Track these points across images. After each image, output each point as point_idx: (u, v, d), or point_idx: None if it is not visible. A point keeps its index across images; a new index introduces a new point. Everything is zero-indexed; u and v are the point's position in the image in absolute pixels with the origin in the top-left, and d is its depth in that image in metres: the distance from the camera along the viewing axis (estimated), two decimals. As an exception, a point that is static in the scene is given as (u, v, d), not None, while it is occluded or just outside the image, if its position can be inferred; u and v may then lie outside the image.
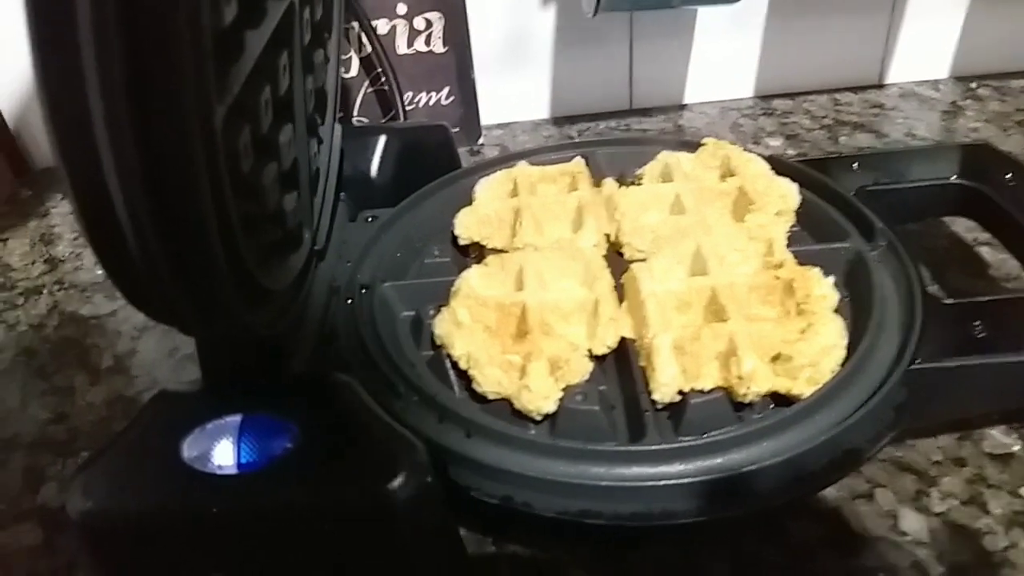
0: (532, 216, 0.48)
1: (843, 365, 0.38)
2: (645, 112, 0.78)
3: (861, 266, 0.43)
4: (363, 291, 0.45)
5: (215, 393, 0.34)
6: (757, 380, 0.36)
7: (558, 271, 0.44)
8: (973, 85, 0.77)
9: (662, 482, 0.35)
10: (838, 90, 0.78)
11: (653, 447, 0.35)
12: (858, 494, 0.41)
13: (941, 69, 0.79)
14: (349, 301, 0.44)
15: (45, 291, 0.62)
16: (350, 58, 0.70)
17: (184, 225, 0.26)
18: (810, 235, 0.47)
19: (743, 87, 0.79)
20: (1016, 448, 0.43)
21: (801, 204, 0.48)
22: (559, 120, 0.78)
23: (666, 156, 0.52)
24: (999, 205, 0.48)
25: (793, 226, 0.47)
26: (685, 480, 0.35)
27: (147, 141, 0.24)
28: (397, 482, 0.32)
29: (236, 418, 0.33)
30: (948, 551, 0.39)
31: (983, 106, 0.74)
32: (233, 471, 0.31)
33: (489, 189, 0.51)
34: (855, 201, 0.47)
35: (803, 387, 0.37)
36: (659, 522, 0.34)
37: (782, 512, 0.40)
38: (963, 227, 0.58)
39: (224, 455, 0.32)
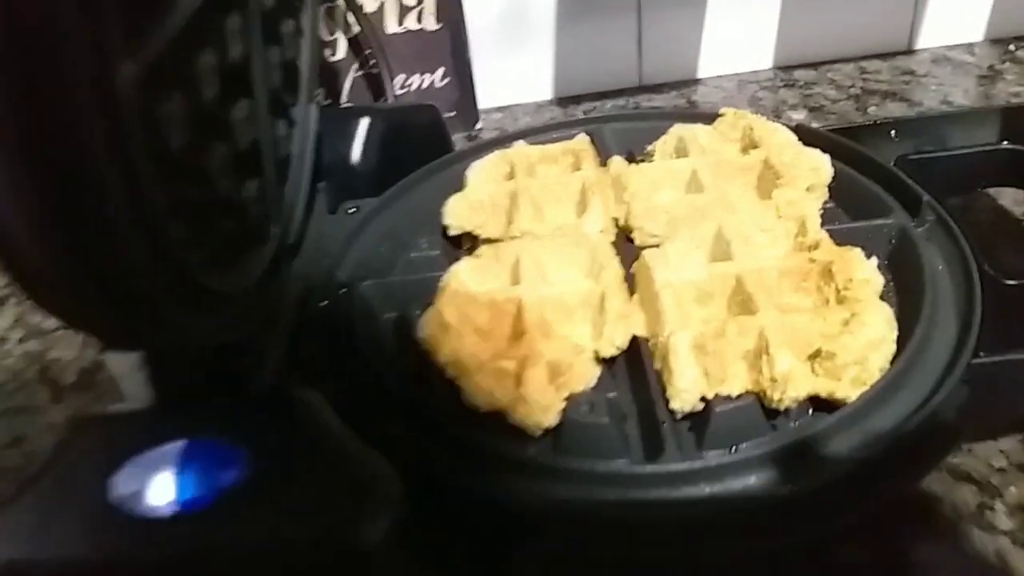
0: (530, 200, 0.43)
1: (893, 362, 0.33)
2: (656, 88, 0.72)
3: (907, 244, 0.38)
4: (341, 291, 0.40)
5: (154, 415, 0.29)
6: (794, 382, 0.31)
7: (560, 261, 0.38)
8: (1011, 47, 0.71)
9: (684, 508, 0.29)
10: (864, 58, 0.72)
11: (673, 467, 0.30)
12: (910, 508, 0.36)
13: (975, 32, 0.73)
14: (324, 303, 0.39)
15: (12, 300, 0.57)
16: (336, 39, 0.65)
17: (81, 208, 0.21)
18: (846, 212, 0.42)
19: (761, 58, 0.73)
20: (1093, 450, 0.37)
21: (834, 178, 0.42)
22: (563, 100, 0.72)
23: (680, 129, 0.46)
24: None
25: (826, 202, 0.42)
26: (712, 505, 0.29)
27: (25, 95, 0.19)
28: (368, 521, 0.26)
29: (178, 445, 0.28)
30: None
31: (1023, 68, 0.68)
32: (171, 511, 0.26)
33: (482, 172, 0.45)
34: (897, 172, 0.41)
35: (848, 389, 0.31)
36: (682, 556, 0.29)
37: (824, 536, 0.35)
38: (1010, 199, 0.52)
39: (161, 492, 0.27)
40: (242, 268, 0.34)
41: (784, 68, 0.73)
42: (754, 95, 0.70)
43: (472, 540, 0.31)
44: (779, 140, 0.43)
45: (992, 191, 0.53)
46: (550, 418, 0.32)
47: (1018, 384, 0.33)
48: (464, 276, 0.38)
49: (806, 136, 0.44)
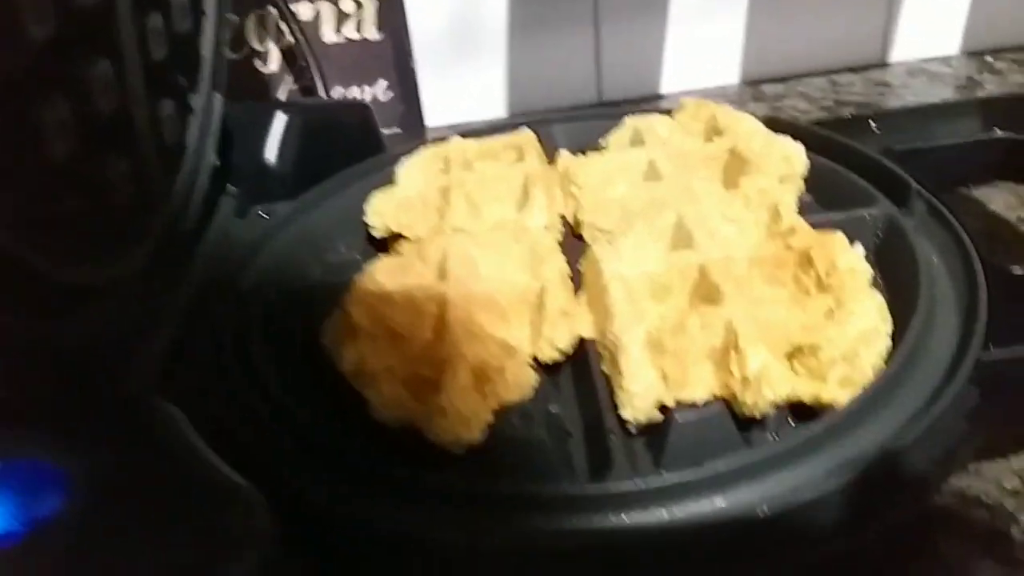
0: (465, 196, 0.37)
1: (887, 361, 0.27)
2: (616, 105, 0.68)
3: (897, 235, 0.33)
4: (241, 298, 0.34)
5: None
6: (771, 383, 0.25)
7: (494, 257, 0.33)
8: (989, 59, 0.67)
9: (636, 536, 0.23)
10: (836, 71, 0.68)
11: (620, 487, 0.24)
12: (913, 542, 0.30)
13: (951, 45, 0.69)
14: (219, 311, 0.33)
15: None
16: (268, 50, 0.60)
17: None
18: (825, 205, 0.37)
19: (727, 73, 0.69)
20: (1120, 468, 0.32)
21: (810, 169, 0.37)
22: (517, 118, 0.67)
23: (635, 120, 0.41)
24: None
25: (801, 195, 0.37)
26: (671, 533, 0.23)
27: None
28: (223, 560, 0.20)
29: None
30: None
31: (1003, 79, 0.64)
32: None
33: (413, 169, 0.40)
34: (880, 159, 0.36)
35: (836, 392, 0.26)
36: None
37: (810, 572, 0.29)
38: (1003, 204, 0.48)
39: (-49, 525, 0.20)
40: (107, 264, 0.28)
41: (752, 83, 0.68)
42: (720, 110, 0.65)
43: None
44: (746, 128, 0.38)
45: (981, 195, 0.48)
46: (474, 433, 0.26)
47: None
48: (381, 276, 0.32)
49: (777, 126, 0.39)
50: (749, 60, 0.68)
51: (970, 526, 0.31)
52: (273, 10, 0.59)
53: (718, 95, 0.67)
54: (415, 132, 0.63)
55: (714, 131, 0.39)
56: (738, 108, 0.63)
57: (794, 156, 0.37)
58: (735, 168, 0.36)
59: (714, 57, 0.68)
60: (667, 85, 0.68)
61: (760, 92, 0.67)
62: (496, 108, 0.67)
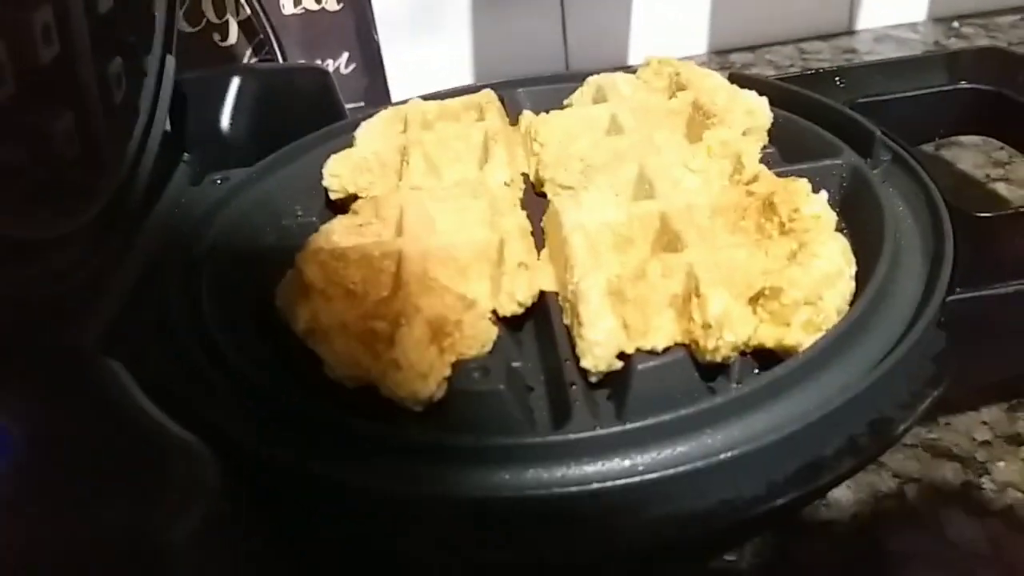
0: (423, 155, 0.36)
1: (852, 305, 0.27)
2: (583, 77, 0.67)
3: (862, 184, 0.32)
4: (193, 263, 0.33)
5: None
6: (732, 326, 0.25)
7: (453, 213, 0.32)
8: (955, 24, 0.67)
9: (595, 486, 0.23)
10: (804, 40, 0.68)
11: (580, 435, 0.23)
12: (883, 494, 0.30)
13: (917, 11, 0.69)
14: (170, 275, 0.32)
15: None
16: (227, 21, 0.59)
17: None
18: (789, 158, 0.36)
19: (695, 43, 0.68)
20: (1089, 414, 0.32)
21: (774, 123, 0.37)
22: (501, 84, 0.66)
23: (598, 79, 0.40)
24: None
25: (766, 147, 0.36)
26: (631, 483, 0.23)
27: None
28: (166, 514, 0.19)
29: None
30: (1019, 563, 0.27)
31: (970, 44, 0.64)
32: None
33: (372, 130, 0.39)
34: (845, 109, 0.36)
35: (800, 335, 0.25)
36: (597, 553, 0.22)
37: (777, 524, 0.29)
38: (971, 163, 0.48)
39: None
40: (51, 220, 0.27)
41: (720, 52, 0.68)
42: (688, 79, 0.65)
43: (323, 538, 0.24)
44: (710, 84, 0.38)
45: (951, 155, 0.48)
46: (431, 387, 0.25)
47: (1006, 328, 0.27)
48: (335, 234, 0.31)
49: (741, 81, 0.39)
50: (716, 30, 0.68)
51: (941, 478, 0.30)
52: (230, -20, 0.57)
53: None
54: (380, 105, 0.62)
55: (678, 87, 0.39)
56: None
57: (758, 109, 0.37)
58: (698, 122, 0.36)
59: (681, 27, 0.67)
60: (634, 56, 0.68)
61: (728, 61, 0.66)
62: (463, 81, 0.66)
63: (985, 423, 0.32)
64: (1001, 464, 0.30)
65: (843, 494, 0.30)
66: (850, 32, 0.68)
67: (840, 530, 0.29)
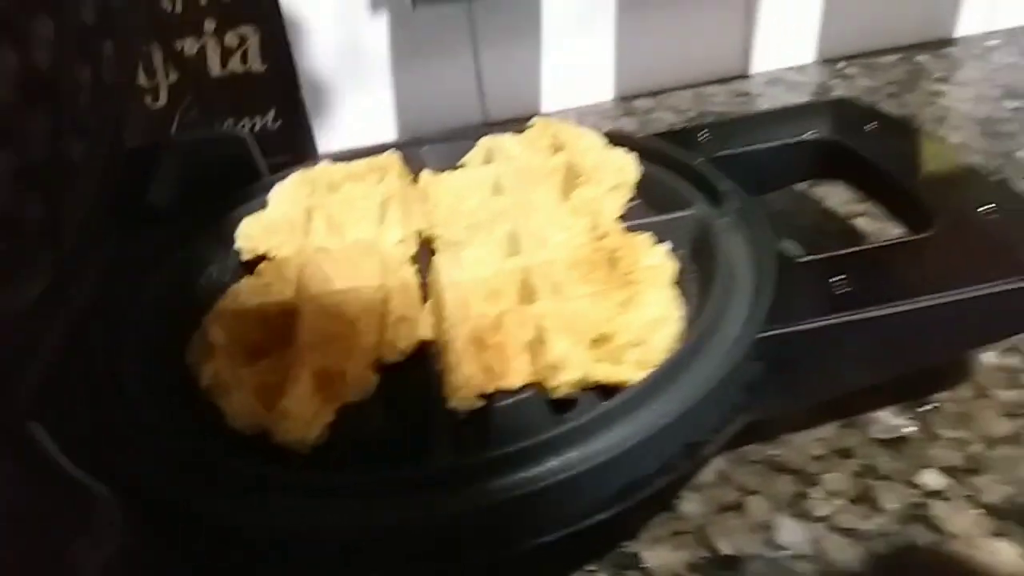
0: (327, 216, 0.40)
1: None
2: (501, 126, 0.71)
3: (705, 234, 0.37)
4: (116, 324, 0.36)
5: None
6: (570, 367, 0.29)
7: (347, 271, 0.36)
8: (840, 65, 0.73)
9: (445, 512, 0.27)
10: (703, 84, 0.73)
11: (444, 466, 0.27)
12: (726, 505, 0.34)
13: (807, 54, 0.74)
14: (92, 335, 0.36)
15: None
16: (157, 85, 0.63)
17: None
18: (652, 209, 0.41)
19: (602, 90, 0.73)
20: (909, 430, 0.36)
21: (643, 177, 0.41)
22: (408, 143, 0.70)
23: (488, 141, 0.45)
24: (861, 156, 0.42)
25: (633, 200, 0.41)
26: (473, 507, 0.27)
27: None
28: (82, 551, 0.23)
29: None
30: (836, 563, 0.32)
31: (851, 84, 0.70)
32: None
33: (282, 193, 0.43)
34: (698, 166, 0.41)
35: (630, 372, 0.29)
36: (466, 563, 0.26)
37: (619, 535, 0.33)
38: (838, 200, 0.53)
39: None
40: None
41: (625, 99, 0.73)
42: (595, 124, 0.69)
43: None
44: (584, 144, 0.42)
45: (821, 192, 0.53)
46: (314, 432, 0.29)
47: (815, 357, 0.32)
48: (241, 296, 0.35)
49: (615, 139, 0.44)
50: (622, 77, 0.72)
51: (777, 489, 0.35)
52: (159, 47, 0.61)
53: (594, 111, 0.72)
54: (307, 158, 0.66)
55: (556, 147, 0.43)
56: (612, 123, 0.69)
57: (626, 167, 0.41)
58: (570, 180, 0.40)
59: (589, 76, 0.72)
60: (547, 104, 0.72)
61: (632, 107, 0.71)
62: (387, 132, 0.71)
63: (821, 439, 0.36)
64: (830, 475, 0.35)
65: (692, 507, 0.34)
66: (745, 76, 0.73)
67: (687, 538, 0.33)
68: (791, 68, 0.74)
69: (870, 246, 0.36)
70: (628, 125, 0.68)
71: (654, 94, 0.72)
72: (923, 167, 0.40)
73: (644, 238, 0.34)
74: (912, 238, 0.36)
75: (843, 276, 0.32)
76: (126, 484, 0.26)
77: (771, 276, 0.33)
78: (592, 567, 0.32)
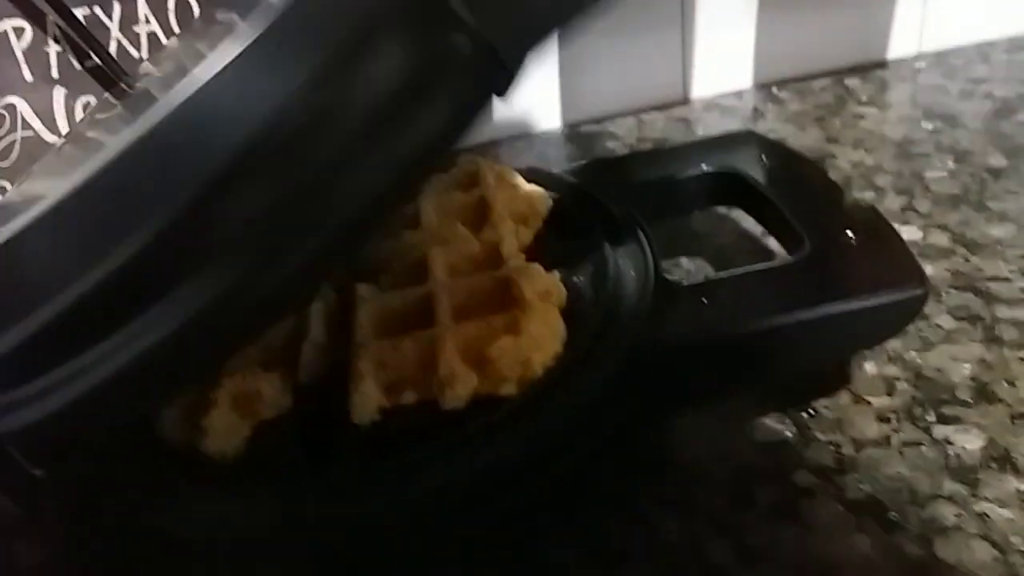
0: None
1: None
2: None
3: (600, 260, 0.41)
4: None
5: None
6: (458, 383, 0.33)
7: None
8: (774, 90, 0.77)
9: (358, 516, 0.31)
10: (644, 110, 0.77)
11: (343, 475, 0.31)
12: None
13: (744, 80, 0.79)
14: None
15: None
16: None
17: None
18: (559, 239, 0.45)
19: (550, 117, 0.77)
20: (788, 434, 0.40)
21: (553, 209, 0.46)
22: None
23: (415, 177, 0.49)
24: (753, 187, 0.46)
25: (542, 232, 0.45)
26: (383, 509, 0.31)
27: None
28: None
29: None
30: (712, 554, 0.35)
31: (783, 108, 0.74)
32: None
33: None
34: (598, 197, 0.45)
35: (511, 388, 0.33)
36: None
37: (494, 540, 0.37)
38: (752, 222, 0.57)
39: None
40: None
41: (572, 125, 0.77)
42: (542, 151, 0.73)
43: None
44: (497, 179, 0.46)
45: (739, 214, 0.57)
46: (232, 445, 0.33)
47: (680, 371, 0.36)
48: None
49: (530, 175, 0.48)
50: (567, 105, 0.77)
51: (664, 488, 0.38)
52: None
53: (542, 138, 0.76)
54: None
55: (473, 182, 0.47)
56: (556, 149, 0.73)
57: (537, 199, 0.45)
58: (481, 214, 0.44)
59: (537, 103, 0.76)
60: (501, 131, 0.76)
61: (576, 133, 0.75)
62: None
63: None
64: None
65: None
66: (684, 102, 0.78)
67: (576, 534, 0.37)
68: (729, 93, 0.78)
69: (737, 272, 0.40)
70: (573, 152, 0.72)
71: (598, 121, 0.76)
72: (803, 195, 0.44)
73: (535, 266, 0.38)
74: (773, 265, 0.40)
75: (708, 300, 0.36)
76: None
77: (648, 299, 0.37)
78: None
